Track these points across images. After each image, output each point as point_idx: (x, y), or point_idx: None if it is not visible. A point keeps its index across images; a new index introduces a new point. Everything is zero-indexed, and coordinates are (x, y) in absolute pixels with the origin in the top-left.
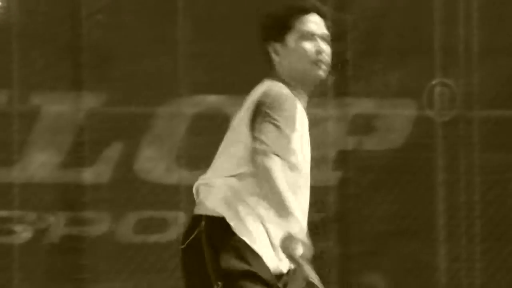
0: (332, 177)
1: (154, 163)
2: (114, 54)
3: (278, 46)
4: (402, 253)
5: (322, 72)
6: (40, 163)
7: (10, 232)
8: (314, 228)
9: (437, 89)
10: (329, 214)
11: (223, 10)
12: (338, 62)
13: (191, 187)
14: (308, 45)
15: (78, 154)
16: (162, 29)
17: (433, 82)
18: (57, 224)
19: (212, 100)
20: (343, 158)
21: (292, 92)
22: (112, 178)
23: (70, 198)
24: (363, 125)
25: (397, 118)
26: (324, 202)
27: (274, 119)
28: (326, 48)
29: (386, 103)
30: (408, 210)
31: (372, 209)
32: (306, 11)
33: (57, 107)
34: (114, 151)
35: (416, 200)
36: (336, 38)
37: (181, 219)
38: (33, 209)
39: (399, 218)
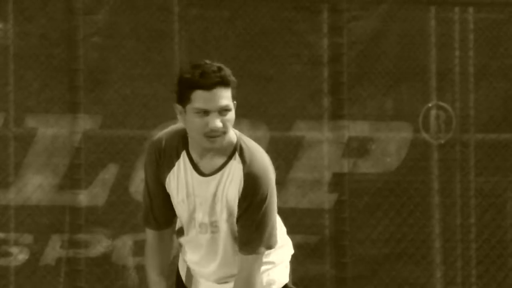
0: (328, 199)
1: None
2: (110, 77)
3: (181, 110)
4: (397, 276)
5: (215, 145)
6: (36, 185)
7: (6, 254)
8: (309, 250)
9: (433, 112)
10: (325, 236)
11: (218, 33)
12: (334, 84)
13: None
14: (201, 121)
15: (74, 176)
16: (157, 51)
17: (429, 105)
18: (53, 246)
19: None
20: (339, 181)
21: (191, 145)
22: (108, 200)
23: (66, 220)
24: (359, 148)
25: (392, 141)
26: (319, 225)
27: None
28: (222, 120)
29: (381, 126)
30: (403, 233)
31: (367, 232)
32: (202, 87)
33: (53, 130)
34: (109, 173)
35: (411, 223)
36: (332, 60)
37: (176, 241)
38: (29, 231)
39: (395, 241)
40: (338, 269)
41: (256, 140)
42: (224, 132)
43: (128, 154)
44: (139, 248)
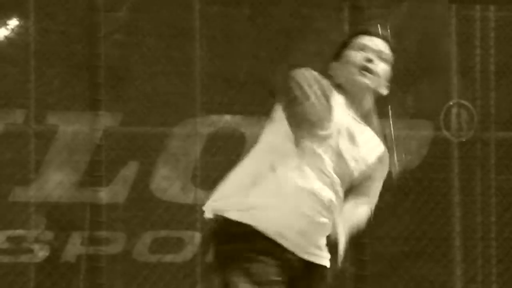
0: None
1: (170, 183)
2: (130, 74)
3: (337, 64)
4: (417, 274)
5: (367, 80)
6: (56, 183)
7: (27, 251)
8: (329, 248)
9: (454, 110)
10: None
11: (239, 31)
12: None
13: None
14: (357, 54)
15: (95, 174)
16: (178, 49)
17: (450, 103)
18: (74, 243)
19: (227, 120)
20: None
21: (341, 92)
22: (128, 198)
23: (86, 217)
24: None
25: (413, 139)
26: None
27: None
28: (378, 62)
29: (403, 124)
30: (424, 231)
31: (387, 229)
32: (368, 33)
33: (74, 127)
34: (130, 170)
35: (432, 221)
36: None
37: (197, 238)
38: (50, 228)
39: (415, 239)
40: (357, 266)
41: None
42: (379, 75)
43: (148, 151)
44: (159, 246)
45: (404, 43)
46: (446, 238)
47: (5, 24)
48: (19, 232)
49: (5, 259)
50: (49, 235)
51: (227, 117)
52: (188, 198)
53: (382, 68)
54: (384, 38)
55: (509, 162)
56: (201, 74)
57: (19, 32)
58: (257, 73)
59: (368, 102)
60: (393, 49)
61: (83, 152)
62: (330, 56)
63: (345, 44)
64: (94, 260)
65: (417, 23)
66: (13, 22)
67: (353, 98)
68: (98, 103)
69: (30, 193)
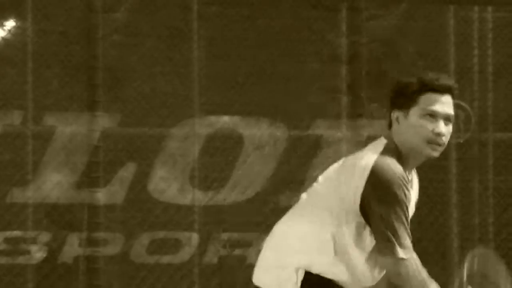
0: None
1: (168, 184)
2: (128, 75)
3: (401, 115)
4: None
5: (435, 153)
6: (54, 184)
7: (25, 252)
8: None
9: None
10: None
11: (237, 31)
12: (353, 83)
13: (205, 207)
14: (428, 124)
15: (92, 175)
16: (177, 50)
17: None
18: (71, 245)
19: (225, 121)
20: None
21: (399, 161)
22: (126, 199)
23: (84, 218)
24: None
25: None
26: None
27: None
28: (445, 130)
29: None
30: (422, 232)
31: None
32: (436, 90)
33: (72, 128)
34: (128, 171)
35: (431, 222)
36: (350, 59)
37: (194, 239)
38: (47, 229)
39: (414, 240)
40: None
41: (275, 139)
42: (444, 145)
43: (146, 152)
44: (156, 247)
45: (402, 44)
46: (444, 239)
47: (2, 25)
48: (17, 233)
49: (3, 260)
50: (46, 236)
51: (226, 118)
52: (186, 199)
53: (447, 134)
54: (451, 91)
55: (507, 163)
56: (199, 75)
57: (16, 33)
58: (256, 74)
59: None
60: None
61: (81, 153)
62: (389, 100)
63: (411, 98)
64: (91, 261)
65: (415, 24)
66: (11, 23)
67: (410, 161)
68: (96, 104)
69: (28, 194)
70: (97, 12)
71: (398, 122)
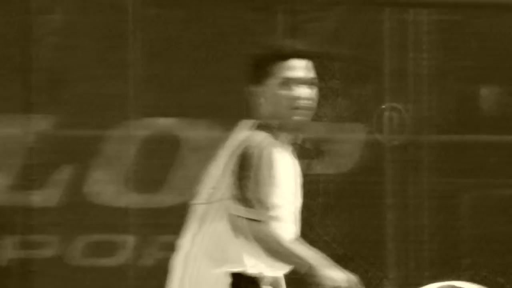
0: None
1: (103, 186)
2: (64, 77)
3: (259, 90)
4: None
5: (305, 117)
6: None
7: None
8: None
9: (386, 114)
10: None
11: (174, 33)
12: None
13: (140, 210)
14: (286, 92)
15: (27, 177)
16: (113, 51)
17: (382, 106)
18: (5, 247)
19: (162, 123)
20: None
21: (273, 136)
22: (61, 201)
23: (18, 221)
24: (312, 149)
25: (346, 142)
26: None
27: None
28: (306, 93)
29: (335, 127)
30: (357, 235)
31: (321, 233)
32: (287, 56)
33: (6, 130)
34: (63, 174)
35: (365, 224)
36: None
37: (130, 242)
38: None
39: (348, 242)
40: (291, 270)
41: (215, 141)
42: (311, 108)
43: (82, 154)
44: (92, 250)
45: (337, 46)
46: (379, 241)
47: None
48: None
49: None
50: None
51: (162, 120)
52: (122, 202)
53: (310, 96)
54: (307, 56)
55: (441, 165)
56: (135, 77)
57: None
58: (193, 76)
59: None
60: (317, 61)
61: (15, 155)
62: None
63: (264, 70)
64: (26, 264)
65: (351, 26)
66: None
67: (284, 133)
68: (31, 106)
69: None
70: (32, 14)
71: (259, 98)
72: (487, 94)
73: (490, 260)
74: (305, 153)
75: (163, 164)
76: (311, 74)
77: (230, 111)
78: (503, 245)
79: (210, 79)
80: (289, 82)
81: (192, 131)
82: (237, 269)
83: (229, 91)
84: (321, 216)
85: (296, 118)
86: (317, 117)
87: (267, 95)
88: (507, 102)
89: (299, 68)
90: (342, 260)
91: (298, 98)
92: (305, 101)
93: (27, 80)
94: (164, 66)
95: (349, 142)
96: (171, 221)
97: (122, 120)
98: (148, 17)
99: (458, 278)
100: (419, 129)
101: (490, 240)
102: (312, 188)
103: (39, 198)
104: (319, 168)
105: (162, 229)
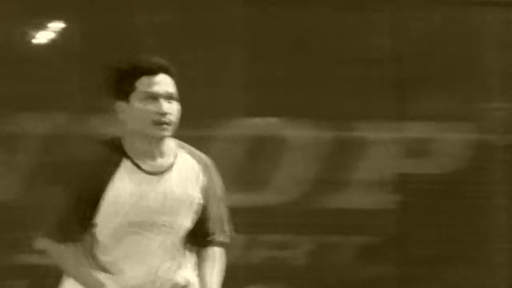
0: (390, 200)
1: None
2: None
3: (123, 105)
4: (459, 278)
5: (164, 132)
6: None
7: None
8: (372, 252)
9: (497, 113)
10: (387, 237)
11: (277, 33)
12: (396, 85)
13: (246, 209)
14: (149, 106)
15: None
16: (216, 51)
17: (493, 106)
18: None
19: (266, 122)
20: (401, 182)
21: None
22: None
23: None
24: (421, 149)
25: (455, 142)
26: (381, 226)
27: None
28: (169, 107)
29: (444, 127)
30: (466, 235)
31: (429, 233)
32: (147, 72)
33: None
34: None
35: (474, 224)
36: (393, 61)
37: (238, 241)
38: None
39: (456, 243)
40: (400, 269)
41: (320, 140)
42: (173, 122)
43: None
44: None
45: (447, 44)
46: (488, 242)
47: None
48: None
49: None
50: None
51: (266, 120)
52: (228, 201)
53: (172, 111)
54: (166, 70)
55: None
56: (240, 77)
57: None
58: (299, 75)
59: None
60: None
61: None
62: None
63: (127, 86)
64: None
65: (458, 25)
66: None
67: (147, 145)
68: None
69: None
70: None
71: (123, 112)
72: None
73: None
74: (413, 152)
75: (267, 163)
76: (170, 88)
77: (337, 111)
78: None
79: (313, 79)
80: (152, 97)
81: (296, 131)
82: None
83: (333, 91)
84: (429, 216)
85: (157, 132)
86: (426, 116)
87: (131, 109)
88: None
89: (162, 83)
90: (450, 260)
91: (161, 113)
92: (167, 116)
93: None
94: (268, 66)
95: (458, 142)
96: (277, 220)
97: (227, 120)
98: (251, 17)
99: None
100: None
101: None
102: (420, 187)
103: None
104: (427, 168)
105: (268, 228)
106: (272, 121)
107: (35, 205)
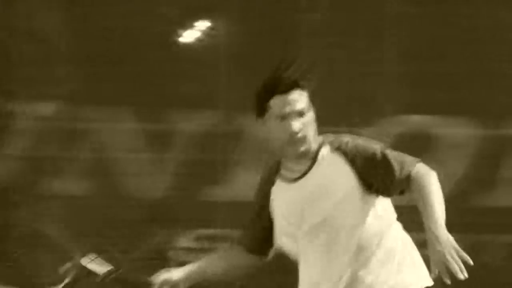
0: None
1: None
2: (322, 74)
3: (261, 122)
4: None
5: (299, 150)
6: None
7: None
8: None
9: None
10: None
11: (428, 30)
12: None
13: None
14: (282, 127)
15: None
16: (368, 49)
17: None
18: None
19: (416, 120)
20: None
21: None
22: None
23: None
24: None
25: None
26: None
27: None
28: (298, 125)
29: None
30: None
31: None
32: (280, 91)
33: None
34: None
35: None
36: None
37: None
38: None
39: None
40: None
41: (465, 137)
42: (307, 134)
43: None
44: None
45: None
46: None
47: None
48: None
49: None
50: None
51: (416, 117)
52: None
53: (302, 127)
54: (296, 85)
55: None
56: (391, 75)
57: (210, 34)
58: (448, 73)
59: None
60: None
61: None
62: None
63: (261, 106)
64: None
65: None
66: (205, 24)
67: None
68: None
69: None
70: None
71: (261, 129)
72: None
73: None
74: None
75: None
76: (299, 105)
77: (487, 108)
78: None
79: (464, 76)
80: (282, 117)
81: (446, 129)
82: None
83: (486, 88)
84: None
85: (292, 152)
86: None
87: (267, 129)
88: None
89: (290, 101)
90: None
91: (292, 133)
92: (299, 134)
93: None
94: (419, 64)
95: None
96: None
97: (377, 117)
98: (403, 15)
99: None
100: None
101: None
102: None
103: None
104: None
105: (414, 226)
106: (424, 119)
107: (186, 202)
